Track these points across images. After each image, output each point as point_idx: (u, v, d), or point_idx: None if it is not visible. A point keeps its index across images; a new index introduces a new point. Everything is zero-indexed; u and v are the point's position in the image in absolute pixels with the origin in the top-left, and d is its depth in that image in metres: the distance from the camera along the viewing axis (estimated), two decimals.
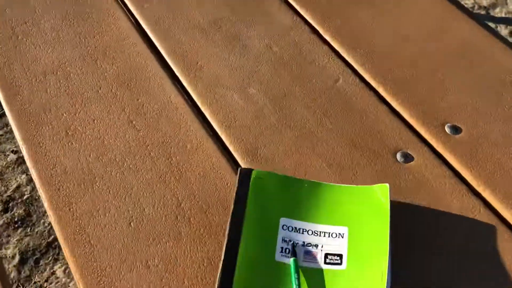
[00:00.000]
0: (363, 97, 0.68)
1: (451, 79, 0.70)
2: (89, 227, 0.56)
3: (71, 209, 0.58)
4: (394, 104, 0.68)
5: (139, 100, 0.68)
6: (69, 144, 0.64)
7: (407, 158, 0.62)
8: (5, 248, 1.35)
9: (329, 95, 0.69)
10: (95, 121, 0.66)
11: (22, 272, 1.30)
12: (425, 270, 0.52)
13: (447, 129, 0.65)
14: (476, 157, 0.62)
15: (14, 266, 1.31)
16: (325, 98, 0.68)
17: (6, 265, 1.32)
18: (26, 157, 0.63)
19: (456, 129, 0.65)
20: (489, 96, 0.68)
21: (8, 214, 1.39)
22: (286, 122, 0.66)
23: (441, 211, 0.57)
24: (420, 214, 0.56)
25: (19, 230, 1.36)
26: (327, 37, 0.77)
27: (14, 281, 1.29)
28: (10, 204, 1.41)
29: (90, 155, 0.62)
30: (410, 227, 0.55)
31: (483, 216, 0.56)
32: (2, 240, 1.36)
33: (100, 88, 0.70)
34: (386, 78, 0.70)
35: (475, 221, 0.56)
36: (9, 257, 1.33)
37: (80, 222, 0.56)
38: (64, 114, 0.67)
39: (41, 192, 0.60)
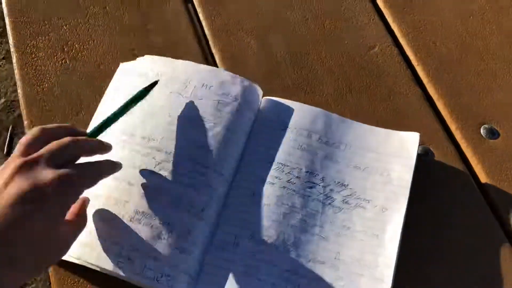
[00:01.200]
0: (397, 73, 0.59)
1: (505, 72, 0.60)
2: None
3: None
4: (430, 89, 0.59)
5: (148, 27, 0.61)
6: (63, 61, 0.58)
7: (428, 154, 0.54)
8: None
9: (358, 63, 0.60)
10: (95, 41, 0.60)
11: None
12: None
13: (482, 131, 0.56)
14: (507, 170, 0.53)
15: None
16: (353, 66, 0.60)
17: None
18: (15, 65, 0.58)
19: (493, 133, 0.56)
20: None
21: None
22: (302, 85, 0.58)
23: (449, 219, 0.50)
24: (428, 218, 0.50)
25: None
26: None
27: None
28: None
29: (82, 79, 0.57)
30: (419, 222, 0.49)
31: (497, 238, 0.49)
32: None
33: (109, 4, 0.62)
34: (429, 56, 0.61)
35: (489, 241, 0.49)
36: None
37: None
38: (64, 27, 0.60)
39: (23, 110, 0.55)
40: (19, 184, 0.37)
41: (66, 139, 0.41)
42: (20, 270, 0.37)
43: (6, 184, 0.38)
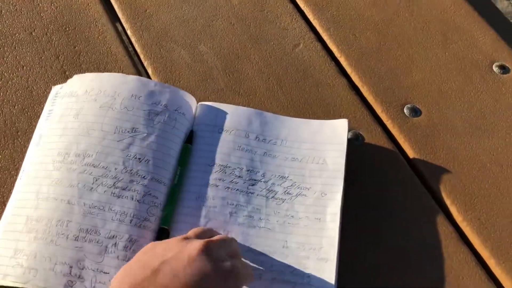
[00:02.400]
0: (322, 67, 0.63)
1: (421, 55, 0.65)
2: (5, 187, 0.52)
3: None
4: (354, 77, 0.63)
5: (76, 47, 0.62)
6: None
7: (358, 138, 0.57)
8: None
9: (286, 61, 0.63)
10: (25, 67, 0.60)
11: None
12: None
13: (405, 111, 0.60)
14: (431, 143, 0.58)
15: None
16: (281, 65, 0.63)
17: None
18: None
19: (415, 111, 0.60)
20: (457, 78, 0.63)
21: None
22: (235, 87, 0.60)
23: (384, 196, 0.53)
24: (364, 197, 0.53)
25: None
26: None
27: None
28: None
29: (15, 106, 0.57)
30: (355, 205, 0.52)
31: (428, 207, 0.53)
32: None
33: (34, 30, 0.63)
34: (350, 47, 0.65)
35: (420, 211, 0.53)
36: None
37: None
38: None
39: None
40: (203, 265, 0.40)
41: (230, 238, 0.46)
42: None
43: (190, 262, 0.39)
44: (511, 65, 0.64)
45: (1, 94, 0.57)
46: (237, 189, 0.51)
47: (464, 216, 0.53)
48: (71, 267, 0.45)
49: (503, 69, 0.64)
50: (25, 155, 0.52)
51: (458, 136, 0.58)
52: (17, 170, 0.52)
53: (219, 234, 0.48)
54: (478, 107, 0.60)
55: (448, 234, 0.52)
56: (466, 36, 0.67)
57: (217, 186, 0.51)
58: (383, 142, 0.57)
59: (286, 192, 0.52)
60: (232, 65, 0.62)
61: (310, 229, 0.50)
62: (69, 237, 0.46)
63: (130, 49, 0.63)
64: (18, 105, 0.57)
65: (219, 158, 0.53)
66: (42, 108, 0.55)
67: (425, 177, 0.56)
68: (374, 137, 0.58)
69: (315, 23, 0.67)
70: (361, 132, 0.58)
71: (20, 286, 0.44)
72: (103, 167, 0.49)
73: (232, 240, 0.46)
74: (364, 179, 0.54)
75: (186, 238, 0.43)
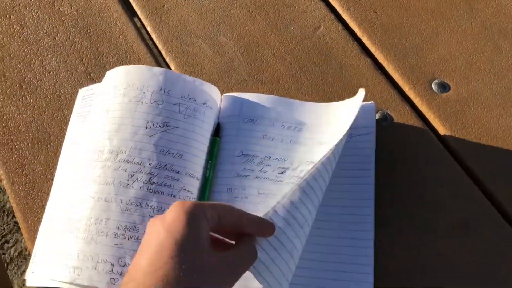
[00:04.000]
0: (344, 48, 0.62)
1: (446, 27, 0.63)
2: (43, 191, 0.53)
3: (24, 171, 0.55)
4: (378, 56, 0.61)
5: (99, 49, 0.62)
6: (23, 98, 0.59)
7: (387, 119, 0.56)
8: None
9: (307, 46, 0.62)
10: (51, 72, 0.61)
11: None
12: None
13: (433, 87, 0.59)
14: (462, 119, 0.56)
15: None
16: (303, 49, 0.62)
17: (1, 196, 1.33)
18: None
19: (444, 87, 0.59)
20: (486, 48, 0.61)
21: None
22: (258, 76, 0.60)
23: (416, 176, 0.53)
24: (396, 179, 0.52)
25: None
26: None
27: (9, 211, 1.31)
28: None
29: (45, 112, 0.58)
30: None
31: (464, 185, 0.52)
32: None
33: (57, 34, 0.64)
34: (372, 25, 0.63)
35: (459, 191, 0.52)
36: (3, 188, 1.34)
37: (33, 185, 0.54)
38: (18, 65, 0.62)
39: None
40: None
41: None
42: None
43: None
44: None
45: (31, 101, 0.59)
46: (267, 178, 0.51)
47: (504, 192, 0.52)
48: (112, 264, 0.46)
49: None
50: (58, 159, 0.54)
51: (489, 109, 0.57)
52: (52, 174, 0.54)
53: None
54: (510, 77, 0.59)
55: (486, 212, 0.51)
56: (493, 3, 0.64)
57: (247, 176, 0.52)
58: (413, 121, 0.56)
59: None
60: (253, 54, 0.62)
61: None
62: (108, 235, 0.47)
63: (151, 45, 0.64)
64: (48, 111, 0.58)
65: (246, 149, 0.53)
66: (71, 112, 0.57)
67: (458, 154, 0.55)
68: (402, 116, 0.57)
69: (334, 3, 0.66)
70: (389, 112, 0.57)
71: (64, 286, 0.46)
72: (137, 162, 0.49)
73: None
74: (394, 160, 0.54)
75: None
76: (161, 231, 0.38)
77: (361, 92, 0.54)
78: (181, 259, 0.36)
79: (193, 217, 0.38)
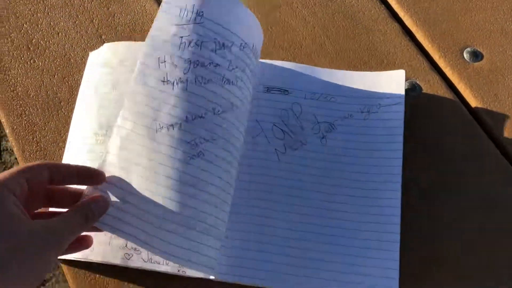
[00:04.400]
0: (371, 12, 0.58)
1: None
2: (55, 159, 0.51)
3: (35, 138, 0.52)
4: (407, 21, 0.58)
5: (110, 9, 0.59)
6: (31, 61, 0.56)
7: (415, 89, 0.53)
8: (6, 141, 1.33)
9: (331, 8, 0.58)
10: (60, 34, 0.57)
11: None
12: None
13: (465, 55, 0.55)
14: (495, 90, 0.53)
15: (16, 159, 1.31)
16: (327, 12, 0.58)
17: (8, 157, 1.32)
18: None
19: (476, 55, 0.55)
20: None
21: None
22: (278, 41, 0.57)
23: (445, 149, 0.50)
24: (424, 151, 0.50)
25: None
26: None
27: None
28: None
29: (55, 76, 0.55)
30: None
31: (495, 160, 0.50)
32: (1, 132, 1.33)
33: None
34: None
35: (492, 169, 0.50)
36: (10, 149, 1.32)
37: (45, 153, 0.51)
38: (25, 25, 0.58)
39: (1, 116, 0.54)
40: None
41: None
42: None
43: None
44: None
45: (40, 64, 0.56)
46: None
47: None
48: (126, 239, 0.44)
49: None
50: (70, 126, 0.51)
51: None
52: (64, 142, 0.51)
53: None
54: None
55: None
56: None
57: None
58: (442, 91, 0.53)
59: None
60: (273, 17, 0.58)
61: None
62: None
63: None
64: (58, 75, 0.55)
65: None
66: (82, 76, 0.54)
67: (490, 127, 0.52)
68: (432, 86, 0.54)
69: None
70: (417, 82, 0.54)
71: (79, 259, 0.45)
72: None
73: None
74: (423, 132, 0.51)
75: None
76: None
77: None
78: None
79: None
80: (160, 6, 0.45)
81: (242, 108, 0.47)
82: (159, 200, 0.42)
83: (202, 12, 0.44)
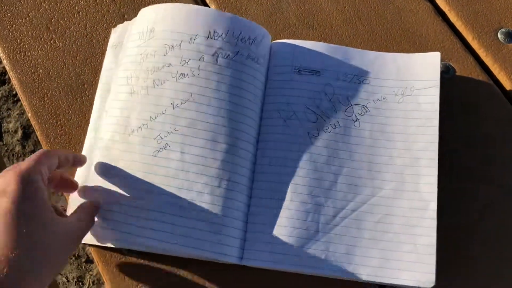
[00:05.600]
0: None
1: None
2: (80, 144, 0.50)
3: (59, 122, 0.51)
4: (439, 1, 0.56)
5: None
6: (51, 42, 0.54)
7: (449, 71, 0.52)
8: (7, 122, 1.31)
9: None
10: (80, 13, 0.55)
11: (26, 147, 1.28)
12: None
13: (500, 36, 0.54)
14: None
15: (18, 140, 1.29)
16: None
17: (9, 139, 1.30)
18: (2, 57, 0.54)
19: (511, 36, 0.54)
20: None
21: (5, 87, 1.33)
22: (308, 21, 0.55)
23: (479, 134, 0.49)
24: (458, 136, 0.49)
25: (19, 104, 1.31)
26: None
27: (19, 155, 1.28)
28: (7, 76, 1.33)
29: (76, 57, 0.53)
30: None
31: None
32: (2, 113, 1.31)
33: None
34: None
35: None
36: (12, 131, 1.30)
37: (70, 137, 0.50)
38: (43, 3, 0.56)
39: (23, 99, 0.52)
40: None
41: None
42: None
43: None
44: None
45: (61, 44, 0.54)
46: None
47: None
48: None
49: None
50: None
51: None
52: (88, 125, 0.50)
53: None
54: None
55: None
56: None
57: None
58: (477, 74, 0.52)
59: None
60: None
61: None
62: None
63: None
64: (79, 55, 0.53)
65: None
66: (104, 56, 0.52)
67: None
68: (466, 68, 0.52)
69: None
70: (451, 64, 0.53)
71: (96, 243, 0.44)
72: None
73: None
74: (456, 116, 0.50)
75: None
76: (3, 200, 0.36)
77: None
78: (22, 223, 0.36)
79: (30, 184, 0.37)
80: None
81: (212, 92, 0.47)
82: (140, 194, 0.44)
83: (154, 28, 0.48)
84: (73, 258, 1.16)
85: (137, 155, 0.45)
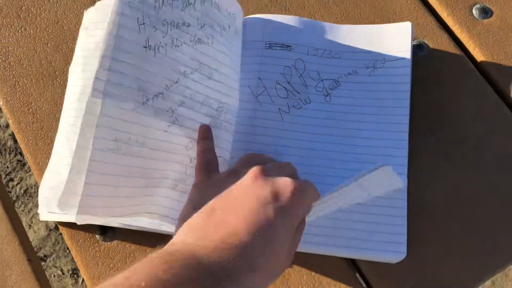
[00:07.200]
0: None
1: None
2: (52, 131, 0.49)
3: (31, 110, 0.50)
4: None
5: None
6: (22, 29, 0.54)
7: (422, 48, 0.52)
8: None
9: None
10: (51, 0, 0.55)
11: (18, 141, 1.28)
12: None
13: (474, 12, 0.53)
14: (505, 47, 0.52)
15: (10, 135, 1.29)
16: None
17: (1, 134, 1.30)
18: None
19: (485, 12, 0.53)
20: None
21: None
22: (281, 1, 0.54)
23: (453, 107, 0.49)
24: (432, 110, 0.49)
25: None
26: None
27: (11, 149, 1.28)
28: None
29: (48, 44, 0.53)
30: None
31: (503, 118, 0.49)
32: None
33: None
34: None
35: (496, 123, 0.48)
36: (3, 126, 1.30)
37: (42, 125, 0.50)
38: None
39: None
40: (261, 187, 0.35)
41: (284, 162, 0.41)
42: (260, 276, 0.33)
43: (247, 186, 0.35)
44: None
45: (32, 32, 0.53)
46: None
47: None
48: None
49: None
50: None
51: None
52: (60, 112, 0.50)
53: (268, 158, 0.43)
54: None
55: None
56: None
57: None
58: (451, 50, 0.52)
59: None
60: None
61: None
62: None
63: None
64: (50, 43, 0.53)
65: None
66: (76, 43, 0.51)
67: (500, 86, 0.50)
68: (440, 44, 0.52)
69: None
70: (425, 41, 0.52)
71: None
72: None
73: (288, 164, 0.41)
74: (431, 91, 0.50)
75: (234, 171, 0.39)
76: (270, 207, 0.34)
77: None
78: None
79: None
80: None
81: (220, 65, 0.44)
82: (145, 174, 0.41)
83: None
84: (67, 251, 1.16)
85: (145, 129, 0.39)
